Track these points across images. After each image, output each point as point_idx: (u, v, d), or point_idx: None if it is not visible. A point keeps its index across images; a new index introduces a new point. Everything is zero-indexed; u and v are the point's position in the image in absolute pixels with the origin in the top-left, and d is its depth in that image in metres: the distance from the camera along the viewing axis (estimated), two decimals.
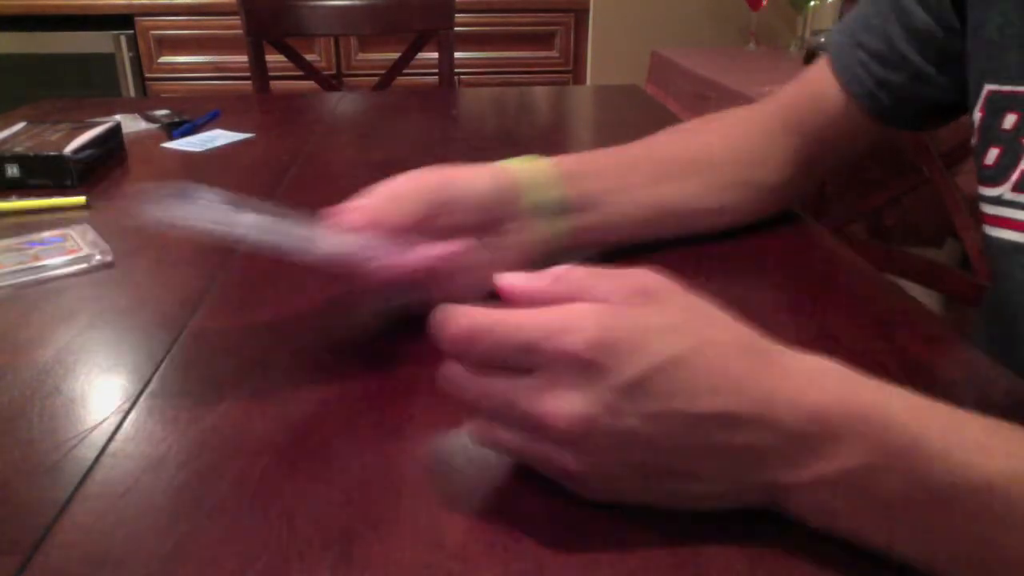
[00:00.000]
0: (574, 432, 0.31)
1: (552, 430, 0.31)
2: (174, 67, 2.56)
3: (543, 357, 0.31)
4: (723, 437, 0.31)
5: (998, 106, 0.50)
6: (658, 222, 0.59)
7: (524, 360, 0.31)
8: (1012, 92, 0.49)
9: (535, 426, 0.31)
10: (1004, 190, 0.49)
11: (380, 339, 0.49)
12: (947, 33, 0.55)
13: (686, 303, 0.33)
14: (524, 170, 0.53)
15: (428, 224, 0.46)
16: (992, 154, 0.50)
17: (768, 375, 0.32)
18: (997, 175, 0.50)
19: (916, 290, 0.92)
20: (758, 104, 0.67)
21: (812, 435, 0.30)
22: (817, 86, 0.63)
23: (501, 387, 0.32)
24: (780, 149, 0.63)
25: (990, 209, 0.51)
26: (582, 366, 0.30)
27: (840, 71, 0.61)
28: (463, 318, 0.32)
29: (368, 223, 0.44)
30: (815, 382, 0.32)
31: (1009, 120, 0.49)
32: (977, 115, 0.52)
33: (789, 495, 0.32)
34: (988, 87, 0.51)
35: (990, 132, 0.50)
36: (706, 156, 0.62)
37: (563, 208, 0.54)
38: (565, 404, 0.30)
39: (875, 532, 0.31)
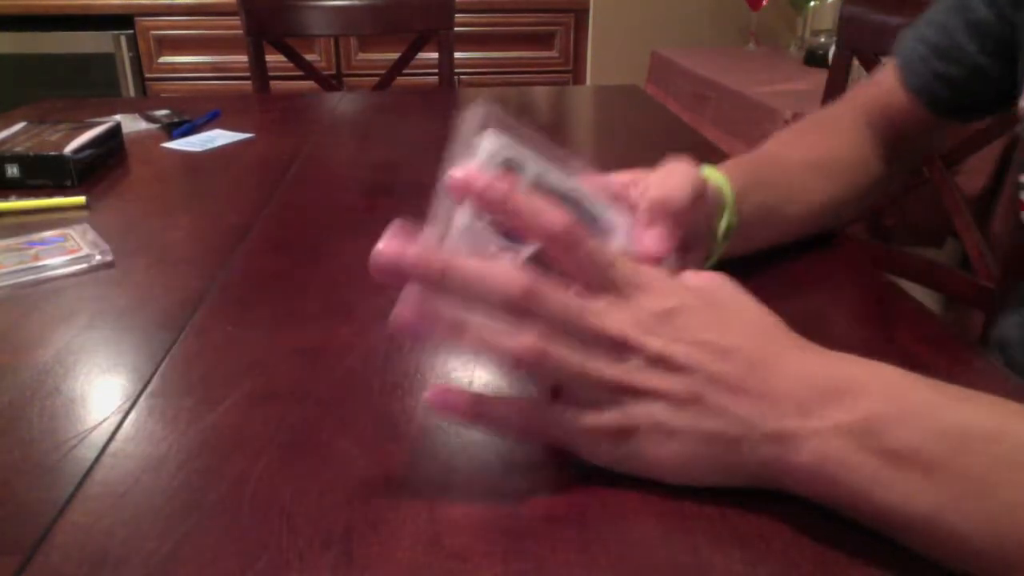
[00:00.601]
0: (629, 338, 0.34)
1: (615, 334, 0.34)
2: (174, 67, 2.56)
3: (623, 273, 0.35)
4: (746, 373, 0.33)
5: None
6: (788, 230, 0.59)
7: (608, 272, 0.35)
8: None
9: (598, 334, 0.34)
10: None
11: (380, 338, 0.49)
12: (1006, 27, 0.57)
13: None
14: (726, 189, 0.51)
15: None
16: None
17: (792, 342, 0.36)
18: None
19: (916, 290, 0.92)
20: (839, 105, 0.69)
21: (831, 387, 0.33)
22: (885, 85, 0.65)
23: (577, 305, 0.35)
24: (870, 149, 0.65)
25: None
26: (646, 288, 0.35)
27: (902, 67, 0.64)
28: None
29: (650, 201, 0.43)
30: (835, 353, 0.35)
31: None
32: (1023, 105, 0.53)
33: (798, 446, 0.32)
34: None
35: None
36: (827, 160, 0.63)
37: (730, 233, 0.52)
38: (626, 315, 0.34)
39: (879, 488, 0.31)
